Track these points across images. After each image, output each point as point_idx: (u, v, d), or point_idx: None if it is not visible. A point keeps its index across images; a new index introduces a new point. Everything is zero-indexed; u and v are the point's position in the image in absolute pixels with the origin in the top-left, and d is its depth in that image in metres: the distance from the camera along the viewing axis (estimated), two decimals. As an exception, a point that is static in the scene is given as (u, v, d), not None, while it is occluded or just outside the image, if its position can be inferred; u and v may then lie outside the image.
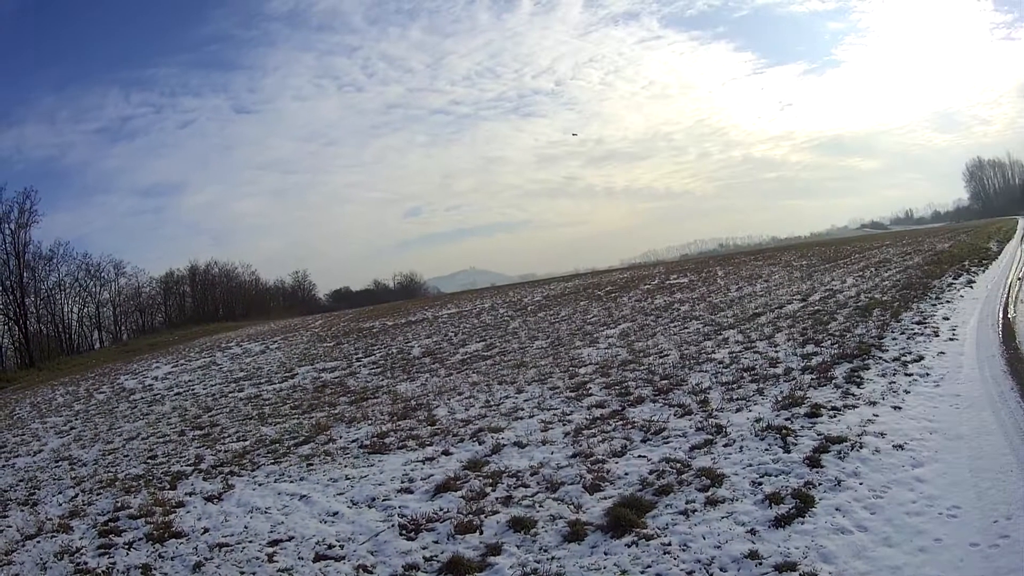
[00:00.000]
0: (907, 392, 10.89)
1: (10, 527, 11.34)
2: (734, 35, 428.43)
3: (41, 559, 9.56)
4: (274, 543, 8.67)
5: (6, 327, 66.55)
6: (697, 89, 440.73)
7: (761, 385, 12.04)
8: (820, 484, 7.55)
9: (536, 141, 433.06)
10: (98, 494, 12.43)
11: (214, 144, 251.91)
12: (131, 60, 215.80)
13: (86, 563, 9.08)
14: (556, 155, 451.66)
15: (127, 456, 15.43)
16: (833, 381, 11.74)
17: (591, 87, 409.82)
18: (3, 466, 16.77)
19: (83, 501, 12.12)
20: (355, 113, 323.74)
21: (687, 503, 7.54)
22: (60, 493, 12.94)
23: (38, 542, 10.28)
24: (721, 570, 6.14)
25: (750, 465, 8.35)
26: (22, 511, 12.18)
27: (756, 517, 6.94)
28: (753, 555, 6.23)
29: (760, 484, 7.72)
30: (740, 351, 15.03)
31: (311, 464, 12.01)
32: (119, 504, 11.36)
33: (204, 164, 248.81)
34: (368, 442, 12.67)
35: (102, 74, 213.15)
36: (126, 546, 9.44)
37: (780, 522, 6.76)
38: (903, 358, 13.01)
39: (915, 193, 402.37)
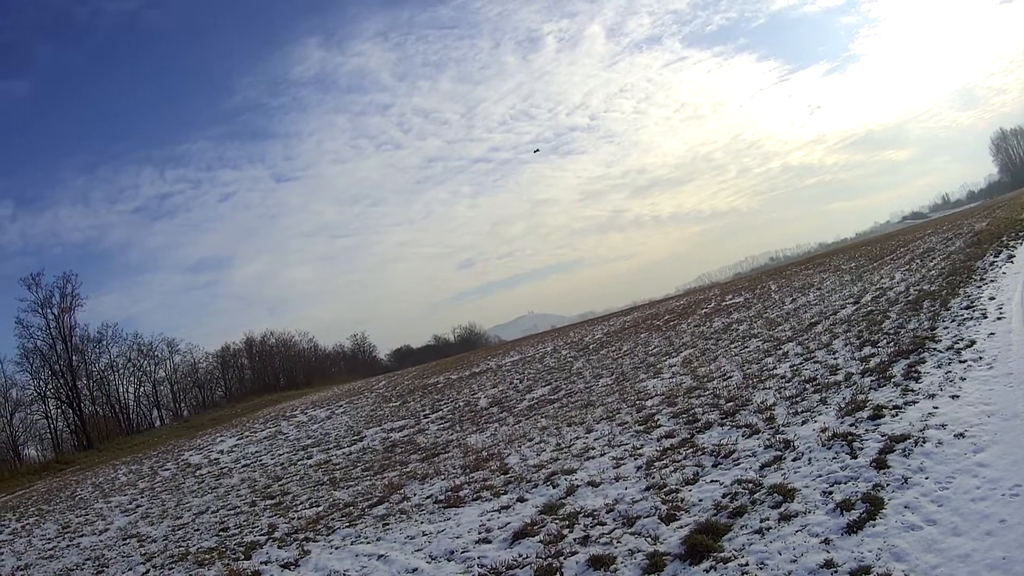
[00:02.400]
0: (963, 379, 10.89)
1: None
2: (756, 45, 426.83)
3: None
4: None
5: (60, 410, 67.31)
6: (728, 105, 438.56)
7: (824, 394, 12.03)
8: (888, 485, 7.57)
9: (579, 178, 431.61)
10: (170, 568, 12.71)
11: (258, 214, 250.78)
12: (162, 138, 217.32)
13: None
14: (600, 190, 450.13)
15: (198, 530, 15.60)
16: (892, 380, 11.76)
17: (625, 117, 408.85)
18: (68, 546, 17.08)
19: None
20: (396, 171, 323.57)
21: (761, 521, 7.57)
22: (130, 570, 13.25)
23: None
24: None
25: (819, 476, 8.36)
26: None
27: (829, 526, 6.97)
28: (828, 564, 6.26)
29: (830, 493, 7.74)
30: (800, 363, 15.02)
31: (387, 523, 12.03)
32: None
33: (250, 235, 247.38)
34: (443, 497, 12.69)
35: (133, 153, 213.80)
36: None
37: (852, 528, 6.79)
38: (956, 346, 13.06)
39: (948, 177, 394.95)
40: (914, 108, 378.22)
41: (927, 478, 7.53)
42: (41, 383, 66.80)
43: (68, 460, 49.00)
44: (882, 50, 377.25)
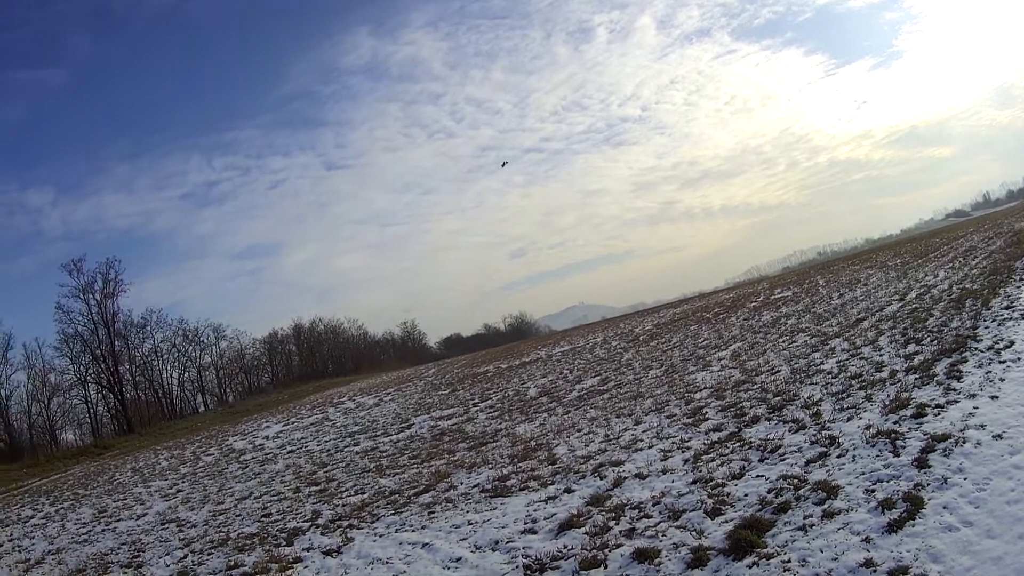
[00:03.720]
0: (1002, 380, 10.94)
1: None
2: (803, 39, 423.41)
3: None
4: None
5: (100, 395, 68.55)
6: (777, 98, 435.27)
7: (869, 391, 12.06)
8: (928, 484, 7.62)
9: (630, 169, 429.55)
10: (209, 554, 12.68)
11: (308, 202, 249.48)
12: (209, 125, 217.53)
13: None
14: (652, 181, 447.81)
15: (239, 515, 15.60)
16: (935, 379, 11.81)
17: (676, 109, 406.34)
18: (103, 530, 17.20)
19: (193, 562, 12.39)
20: (449, 159, 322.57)
21: (805, 518, 7.62)
22: (168, 555, 13.28)
23: None
24: None
25: (863, 473, 8.41)
26: (125, 573, 12.49)
27: (870, 525, 7.03)
28: (868, 563, 6.32)
29: (873, 491, 7.80)
30: (847, 359, 15.01)
31: (432, 512, 12.03)
32: (232, 563, 11.60)
33: (300, 223, 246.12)
34: (490, 486, 12.73)
35: (179, 141, 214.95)
36: None
37: (892, 527, 6.86)
38: (996, 346, 13.12)
39: (989, 175, 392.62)
40: (956, 105, 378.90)
41: (965, 479, 7.57)
42: (81, 368, 68.03)
43: (107, 445, 49.38)
44: (924, 47, 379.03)
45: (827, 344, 17.36)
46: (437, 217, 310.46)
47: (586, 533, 9.03)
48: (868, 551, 6.54)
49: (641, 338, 32.09)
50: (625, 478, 10.96)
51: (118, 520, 18.10)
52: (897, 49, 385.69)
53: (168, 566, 12.39)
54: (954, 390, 10.88)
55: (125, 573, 12.54)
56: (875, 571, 6.21)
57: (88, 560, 14.33)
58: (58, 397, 68.51)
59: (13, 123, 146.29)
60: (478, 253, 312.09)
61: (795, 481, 8.79)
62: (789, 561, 6.77)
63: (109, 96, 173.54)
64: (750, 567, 6.90)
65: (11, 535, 19.10)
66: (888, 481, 7.98)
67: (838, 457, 9.26)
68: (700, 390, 16.40)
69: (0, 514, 23.71)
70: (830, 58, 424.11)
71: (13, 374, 64.57)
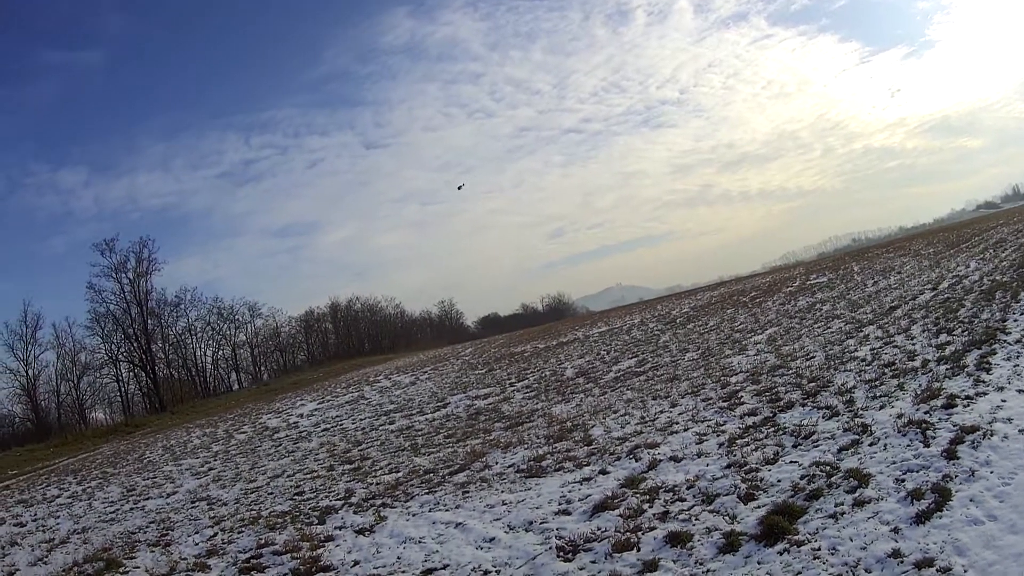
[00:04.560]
0: (1029, 374, 11.02)
1: (138, 567, 11.48)
2: (837, 26, 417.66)
3: None
4: (428, 572, 8.79)
5: (132, 373, 68.79)
6: (813, 84, 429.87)
7: (901, 380, 12.10)
8: (956, 476, 7.68)
9: (669, 151, 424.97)
10: (239, 532, 12.58)
11: (347, 180, 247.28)
12: (246, 105, 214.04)
13: None
14: (690, 164, 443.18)
15: (271, 494, 15.53)
16: (965, 370, 11.87)
17: (714, 92, 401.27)
18: (131, 509, 17.12)
19: (223, 540, 12.28)
20: (488, 139, 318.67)
21: (836, 506, 7.69)
22: (197, 533, 13.06)
23: None
24: (866, 571, 6.27)
25: (894, 463, 8.47)
26: (152, 552, 12.32)
27: (899, 515, 7.08)
28: (895, 554, 6.36)
29: (903, 481, 7.85)
30: (880, 347, 15.00)
31: (467, 492, 12.06)
32: (263, 541, 11.52)
33: (338, 201, 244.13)
34: (525, 466, 12.75)
35: (214, 120, 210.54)
36: None
37: (920, 518, 6.90)
38: None
39: (1019, 167, 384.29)
40: (986, 97, 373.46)
41: (992, 472, 7.63)
42: (113, 347, 68.24)
43: (138, 423, 49.22)
44: (955, 37, 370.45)
45: (861, 331, 17.34)
46: (477, 196, 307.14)
47: (620, 515, 9.08)
48: (896, 541, 6.59)
49: (678, 320, 32.05)
50: (660, 460, 11.02)
51: (147, 498, 18.06)
52: (929, 39, 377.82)
53: (197, 544, 12.33)
54: (983, 382, 10.93)
55: (153, 551, 12.41)
56: (902, 562, 6.24)
57: (115, 539, 14.06)
58: (88, 376, 69.12)
59: (45, 105, 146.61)
60: (517, 233, 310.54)
61: (827, 468, 8.85)
62: (819, 549, 6.83)
63: (144, 77, 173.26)
64: (781, 554, 6.97)
65: (35, 515, 18.82)
66: (918, 471, 8.03)
67: (870, 445, 9.32)
68: (736, 374, 16.46)
69: (25, 494, 23.48)
70: (864, 45, 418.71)
71: (42, 354, 65.09)
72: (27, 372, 63.40)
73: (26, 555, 14.05)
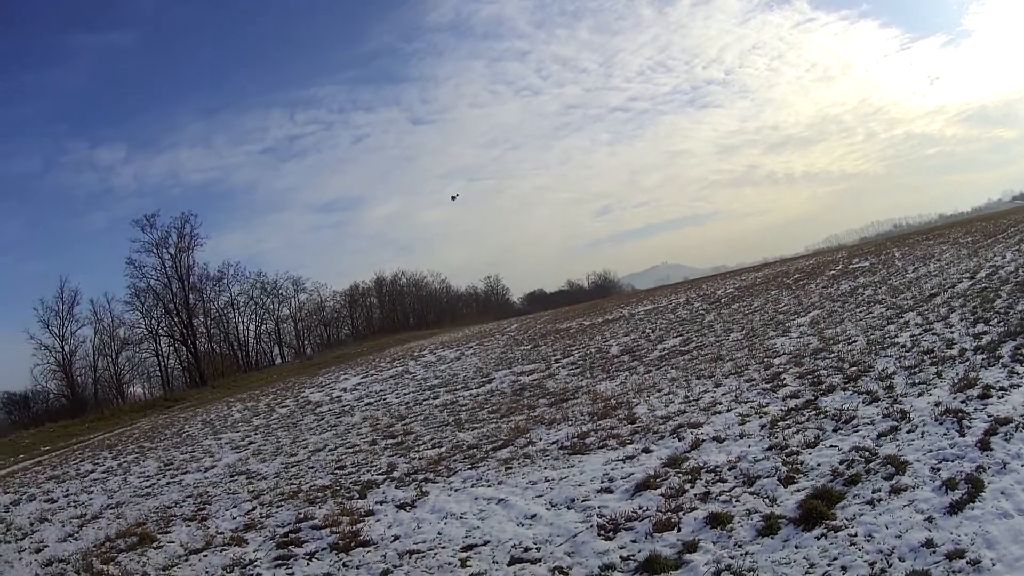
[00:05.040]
0: (1062, 367, 10.94)
1: (172, 543, 11.58)
2: (878, 12, 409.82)
3: (207, 572, 9.85)
4: (468, 548, 8.92)
5: (172, 348, 69.20)
6: (855, 69, 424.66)
7: (940, 368, 12.09)
8: (989, 468, 7.70)
9: (715, 132, 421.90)
10: (278, 506, 12.71)
11: (393, 156, 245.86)
12: (290, 82, 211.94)
13: (259, 575, 9.43)
14: (735, 144, 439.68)
15: (312, 468, 15.63)
16: (1000, 360, 11.83)
17: (759, 74, 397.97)
18: (168, 483, 17.28)
19: (261, 514, 12.40)
20: (535, 116, 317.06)
21: (873, 492, 7.75)
22: (235, 507, 13.33)
23: (204, 556, 10.56)
24: (900, 560, 6.33)
25: (930, 451, 8.51)
26: (188, 526, 12.46)
27: (934, 504, 7.14)
28: (929, 543, 6.43)
29: (938, 470, 7.89)
30: (920, 333, 14.96)
31: (510, 468, 12.18)
32: (302, 515, 11.63)
33: (384, 177, 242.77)
34: (568, 443, 12.89)
35: (258, 97, 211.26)
36: (307, 557, 9.74)
37: (954, 509, 6.96)
38: (1056, 332, 13.03)
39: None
40: (1021, 89, 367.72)
41: (1023, 465, 7.64)
42: (153, 322, 68.54)
43: (177, 397, 49.14)
44: (991, 27, 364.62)
45: (902, 317, 17.28)
46: (523, 173, 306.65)
47: (661, 495, 9.22)
48: (930, 531, 6.65)
49: (723, 300, 31.94)
50: (703, 441, 11.14)
51: (184, 473, 18.32)
52: (966, 28, 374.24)
53: (235, 519, 12.47)
54: (1017, 374, 10.89)
55: (188, 526, 12.58)
56: (935, 551, 6.30)
57: (149, 513, 14.28)
58: (127, 351, 69.18)
59: (78, 86, 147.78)
60: (564, 210, 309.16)
61: (866, 454, 8.91)
62: (856, 535, 6.91)
63: (181, 56, 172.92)
64: (818, 539, 7.05)
65: (67, 490, 18.81)
66: (953, 461, 8.06)
67: (908, 432, 9.36)
68: (779, 356, 16.50)
69: (57, 470, 23.40)
70: (903, 32, 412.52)
71: (79, 329, 65.04)
72: (63, 348, 63.41)
73: (56, 531, 14.22)
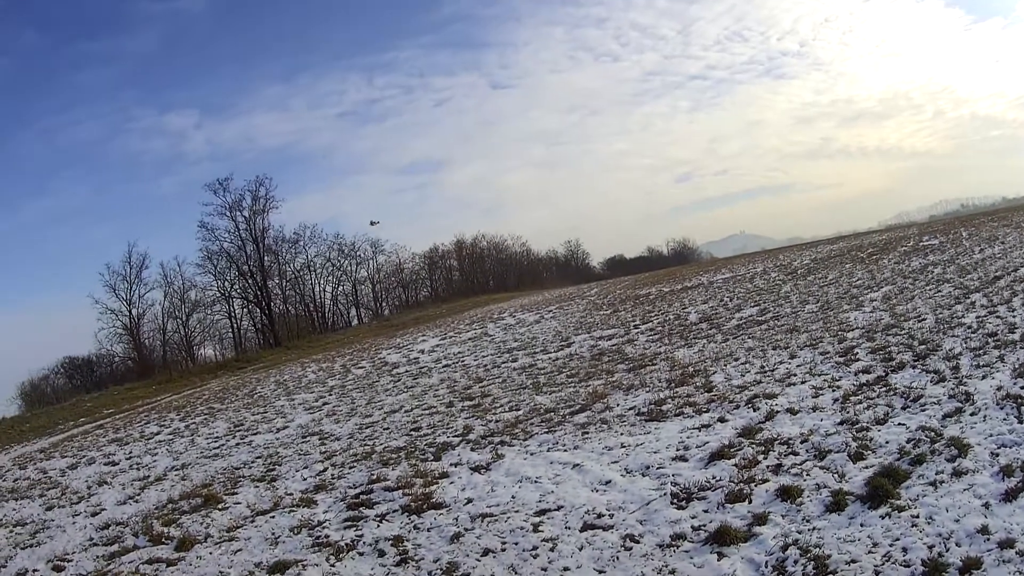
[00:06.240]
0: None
1: (239, 504, 11.91)
2: None
3: (273, 534, 10.11)
4: (541, 512, 9.16)
5: (246, 310, 69.87)
6: (923, 46, 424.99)
7: (1002, 352, 12.04)
8: (1046, 456, 7.64)
9: (791, 103, 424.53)
10: (351, 468, 12.93)
11: (474, 120, 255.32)
12: (367, 46, 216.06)
13: (327, 536, 9.64)
14: (810, 116, 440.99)
15: (387, 429, 15.87)
16: (1059, 349, 11.53)
17: (831, 47, 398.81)
18: (237, 444, 17.61)
19: (332, 475, 12.64)
20: (615, 83, 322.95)
21: (936, 474, 7.84)
22: (306, 468, 13.57)
23: (272, 517, 10.86)
24: (956, 545, 6.43)
25: (990, 435, 8.55)
26: (256, 487, 12.81)
27: (991, 490, 7.19)
28: (983, 530, 6.50)
29: (997, 456, 7.93)
30: (985, 316, 14.92)
31: (586, 433, 12.30)
32: (374, 477, 11.84)
33: (466, 140, 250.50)
34: (645, 409, 13.06)
35: (335, 62, 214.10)
36: (377, 519, 9.99)
37: (1009, 496, 7.01)
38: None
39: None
40: None
41: (1076, 456, 7.58)
42: (226, 284, 69.25)
43: (250, 359, 48.98)
44: None
45: (968, 298, 17.19)
46: (603, 137, 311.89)
47: (735, 465, 9.43)
48: (985, 517, 6.73)
49: (799, 272, 31.90)
50: (777, 412, 11.31)
51: (255, 434, 18.59)
52: (1021, 15, 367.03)
53: (305, 480, 12.74)
54: (1075, 365, 10.66)
55: (257, 487, 12.83)
56: (988, 539, 6.39)
57: (216, 475, 14.57)
58: (198, 313, 69.96)
59: (147, 53, 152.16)
60: (644, 175, 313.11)
61: (931, 434, 9.00)
62: (918, 517, 7.03)
63: (254, 22, 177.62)
64: (883, 518, 7.18)
65: (130, 453, 19.16)
66: (1011, 447, 8.10)
67: (971, 415, 9.42)
68: (852, 329, 16.50)
69: (120, 432, 23.65)
70: (966, 13, 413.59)
71: (147, 293, 65.79)
72: (130, 312, 63.91)
73: (115, 494, 14.47)
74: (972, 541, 6.46)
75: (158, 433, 21.87)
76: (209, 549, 10.07)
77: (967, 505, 7.04)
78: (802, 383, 12.75)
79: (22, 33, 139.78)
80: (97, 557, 10.49)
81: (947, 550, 6.43)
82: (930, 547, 6.51)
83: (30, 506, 14.61)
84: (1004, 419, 9.03)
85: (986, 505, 6.97)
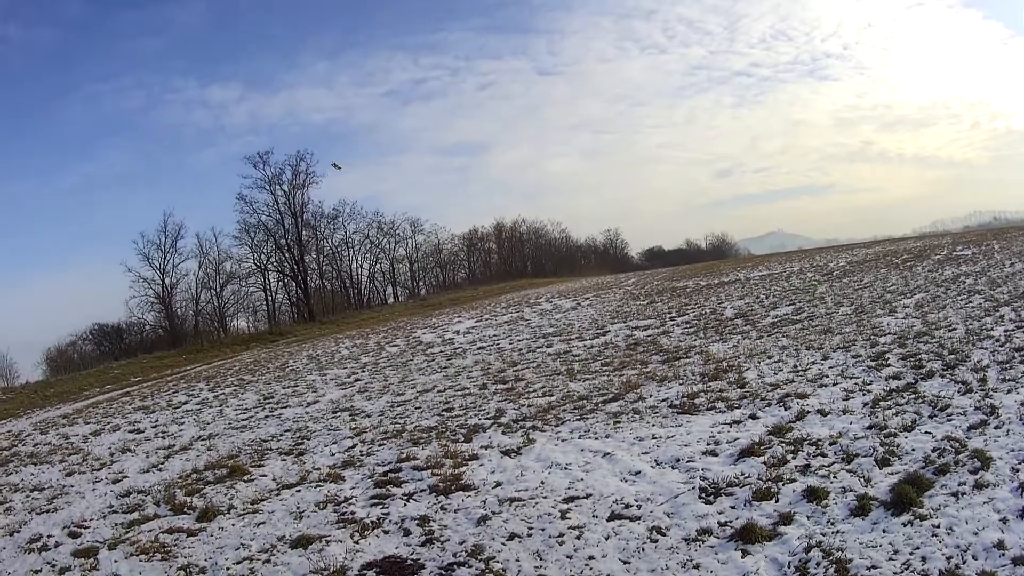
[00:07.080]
0: None
1: (264, 476, 12.03)
2: (979, 4, 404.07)
3: (297, 508, 10.21)
4: (570, 500, 9.21)
5: (281, 283, 70.01)
6: (961, 56, 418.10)
7: (1028, 368, 11.64)
8: (1063, 476, 7.58)
9: (833, 105, 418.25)
10: (380, 445, 12.99)
11: (519, 105, 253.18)
12: (415, 26, 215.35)
13: (352, 513, 9.71)
14: (851, 119, 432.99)
15: (419, 408, 15.91)
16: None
17: (874, 51, 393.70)
18: (266, 416, 17.70)
19: (361, 452, 12.71)
20: (661, 75, 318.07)
21: (959, 485, 7.87)
22: (335, 443, 13.64)
23: (297, 491, 10.97)
24: (973, 558, 6.49)
25: (1012, 450, 8.57)
26: (283, 461, 12.91)
27: (1009, 505, 7.22)
28: (999, 545, 6.55)
29: (1017, 471, 7.94)
30: (1013, 329, 14.84)
31: (618, 422, 12.35)
32: (404, 455, 11.92)
33: (510, 124, 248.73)
34: (678, 402, 13.11)
35: (382, 40, 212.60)
36: (404, 497, 10.08)
37: (1024, 513, 6.88)
38: None
39: None
40: None
41: (1096, 477, 7.53)
42: (263, 256, 69.27)
43: (283, 332, 48.52)
44: None
45: (998, 311, 17.08)
46: (647, 129, 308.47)
47: (764, 463, 9.49)
48: (1002, 532, 6.78)
49: (835, 273, 31.71)
50: (807, 412, 11.34)
51: (285, 407, 18.68)
52: None
53: (333, 455, 12.82)
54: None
55: (284, 460, 12.90)
56: (1003, 554, 6.45)
57: (244, 446, 14.63)
58: (232, 284, 70.12)
59: (193, 24, 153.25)
60: (685, 169, 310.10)
61: (956, 444, 9.04)
62: (939, 527, 7.07)
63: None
64: (905, 525, 7.24)
65: (156, 421, 19.22)
66: (1031, 463, 7.93)
67: (995, 428, 9.44)
68: (885, 334, 16.50)
69: (147, 400, 23.72)
70: (1005, 27, 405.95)
71: (181, 263, 65.71)
72: (163, 281, 63.92)
73: (139, 462, 14.62)
74: (988, 555, 6.51)
75: (186, 402, 21.97)
76: (232, 521, 10.23)
77: (986, 519, 7.07)
78: (834, 385, 12.79)
79: (69, 4, 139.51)
80: (116, 524, 10.57)
81: (964, 562, 6.49)
82: (948, 558, 6.56)
83: (49, 471, 14.73)
84: (1026, 435, 8.80)
85: (1004, 520, 7.01)
